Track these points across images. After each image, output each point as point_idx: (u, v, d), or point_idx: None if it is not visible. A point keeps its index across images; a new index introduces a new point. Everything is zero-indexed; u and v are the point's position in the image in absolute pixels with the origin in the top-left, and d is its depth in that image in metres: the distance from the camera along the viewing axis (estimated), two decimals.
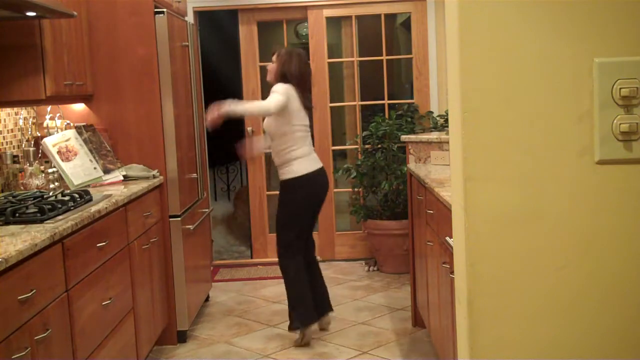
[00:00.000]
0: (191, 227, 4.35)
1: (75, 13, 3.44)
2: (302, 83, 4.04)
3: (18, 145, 3.77)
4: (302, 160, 4.02)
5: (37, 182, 3.50)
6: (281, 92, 3.92)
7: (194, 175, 4.59)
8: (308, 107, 4.08)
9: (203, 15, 6.09)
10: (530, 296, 1.07)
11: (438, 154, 4.15)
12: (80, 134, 3.85)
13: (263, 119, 4.24)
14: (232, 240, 6.87)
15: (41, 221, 2.65)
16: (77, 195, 3.07)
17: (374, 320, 4.48)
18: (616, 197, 1.05)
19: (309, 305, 4.09)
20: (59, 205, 2.82)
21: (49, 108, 3.97)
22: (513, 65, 1.04)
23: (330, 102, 5.99)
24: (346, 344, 4.08)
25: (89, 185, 3.67)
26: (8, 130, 3.69)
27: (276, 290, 5.14)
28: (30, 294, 2.25)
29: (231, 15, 6.16)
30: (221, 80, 7.39)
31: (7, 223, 2.64)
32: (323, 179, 4.14)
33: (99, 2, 3.99)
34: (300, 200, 4.07)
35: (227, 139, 7.60)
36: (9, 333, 2.11)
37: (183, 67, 4.42)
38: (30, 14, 3.14)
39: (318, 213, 4.29)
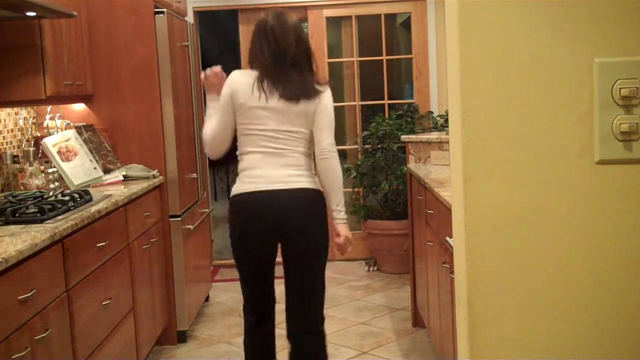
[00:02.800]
0: (191, 227, 4.35)
1: (75, 13, 3.44)
2: (273, 66, 2.85)
3: (18, 145, 3.77)
4: (241, 177, 2.89)
5: (37, 182, 3.49)
6: (222, 92, 2.90)
7: (194, 175, 4.59)
8: (283, 95, 2.82)
9: (203, 15, 6.08)
10: (530, 296, 1.07)
11: (438, 154, 4.15)
12: (80, 134, 3.85)
13: None
14: None
15: (41, 221, 2.65)
16: (77, 195, 3.07)
17: (374, 320, 4.48)
18: (616, 197, 1.05)
19: None
20: (59, 205, 2.82)
21: (49, 108, 3.97)
22: (513, 65, 1.04)
23: None
24: (346, 344, 4.08)
25: (89, 185, 3.67)
26: (8, 130, 3.69)
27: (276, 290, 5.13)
28: (30, 294, 2.25)
29: (231, 15, 6.16)
30: None
31: (7, 223, 2.64)
32: (256, 207, 2.82)
33: (99, 2, 3.99)
34: (231, 234, 2.93)
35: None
36: (9, 333, 2.11)
37: (183, 67, 4.42)
38: (30, 14, 3.14)
39: (289, 261, 2.93)
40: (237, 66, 6.01)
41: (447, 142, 3.41)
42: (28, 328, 2.23)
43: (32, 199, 2.96)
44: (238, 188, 2.87)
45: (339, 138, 6.23)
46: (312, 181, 2.90)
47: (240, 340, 4.22)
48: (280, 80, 2.83)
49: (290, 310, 3.00)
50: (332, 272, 5.67)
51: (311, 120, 2.93)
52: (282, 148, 2.85)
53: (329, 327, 4.33)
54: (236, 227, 2.90)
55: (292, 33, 2.87)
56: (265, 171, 2.83)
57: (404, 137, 4.53)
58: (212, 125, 2.91)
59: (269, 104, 2.82)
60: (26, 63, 3.32)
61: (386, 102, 6.07)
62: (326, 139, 2.95)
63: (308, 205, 2.86)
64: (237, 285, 5.40)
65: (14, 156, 3.53)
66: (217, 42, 7.70)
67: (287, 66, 2.85)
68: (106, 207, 3.07)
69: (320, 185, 2.93)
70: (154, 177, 3.99)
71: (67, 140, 3.76)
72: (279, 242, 2.91)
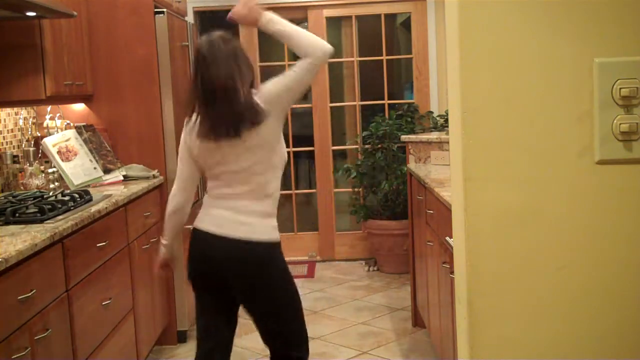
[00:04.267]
0: (191, 227, 4.34)
1: (75, 13, 3.44)
2: (206, 99, 2.49)
3: (18, 145, 3.77)
4: (201, 210, 2.70)
5: (37, 182, 3.50)
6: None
7: None
8: (216, 135, 2.49)
9: (203, 15, 6.09)
10: (530, 296, 1.07)
11: (438, 154, 4.15)
12: (80, 134, 3.85)
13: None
14: None
15: (41, 221, 2.65)
16: (77, 195, 3.07)
17: (374, 320, 4.48)
18: (616, 197, 1.05)
19: None
20: (59, 205, 2.82)
21: (49, 108, 3.97)
22: (513, 65, 1.04)
23: (330, 102, 5.99)
24: (346, 344, 4.08)
25: (89, 185, 3.67)
26: (8, 130, 3.69)
27: None
28: (30, 294, 2.24)
29: None
30: None
31: (7, 223, 2.64)
32: (209, 251, 2.60)
33: (99, 2, 3.99)
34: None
35: None
36: (9, 333, 2.11)
37: (183, 67, 4.42)
38: (30, 14, 3.14)
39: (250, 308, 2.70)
40: None
41: (447, 142, 3.41)
42: (28, 328, 2.23)
43: (32, 199, 2.96)
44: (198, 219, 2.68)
45: (339, 138, 6.25)
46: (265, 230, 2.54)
47: (239, 340, 4.22)
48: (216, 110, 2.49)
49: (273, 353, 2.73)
50: (332, 272, 5.67)
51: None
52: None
53: (329, 327, 4.34)
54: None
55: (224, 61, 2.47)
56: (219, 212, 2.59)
57: (404, 137, 4.53)
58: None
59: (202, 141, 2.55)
60: (26, 63, 3.32)
61: (386, 102, 6.07)
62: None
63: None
64: None
65: (14, 156, 3.53)
66: None
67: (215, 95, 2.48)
68: (106, 207, 3.07)
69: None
70: (154, 177, 3.99)
71: (67, 140, 3.76)
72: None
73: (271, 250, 2.56)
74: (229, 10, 2.66)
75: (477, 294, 1.08)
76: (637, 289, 1.06)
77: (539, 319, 1.07)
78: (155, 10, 4.03)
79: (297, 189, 6.42)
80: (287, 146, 2.68)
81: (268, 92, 2.53)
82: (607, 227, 1.05)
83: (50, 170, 3.63)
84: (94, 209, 2.97)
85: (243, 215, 2.53)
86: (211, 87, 2.47)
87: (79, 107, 4.10)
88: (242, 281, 2.58)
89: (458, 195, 1.09)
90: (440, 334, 3.34)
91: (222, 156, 2.53)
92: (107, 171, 3.85)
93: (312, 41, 2.59)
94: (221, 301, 2.69)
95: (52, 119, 3.95)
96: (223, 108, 2.46)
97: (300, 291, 2.81)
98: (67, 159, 3.69)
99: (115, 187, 3.68)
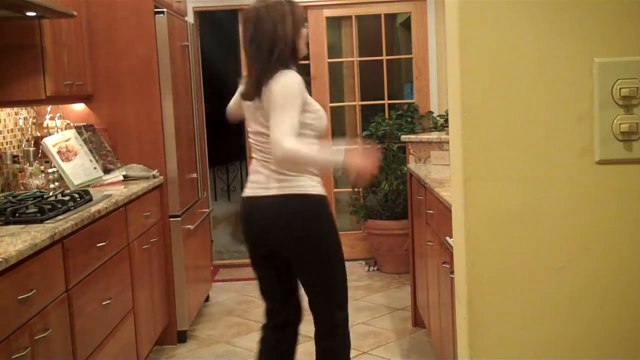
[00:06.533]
0: (191, 227, 4.35)
1: (75, 13, 3.44)
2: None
3: (18, 145, 3.77)
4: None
5: (37, 182, 3.50)
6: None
7: (194, 175, 4.59)
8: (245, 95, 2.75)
9: (203, 15, 6.09)
10: (530, 296, 1.07)
11: (438, 154, 4.15)
12: (80, 134, 3.85)
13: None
14: (233, 240, 6.87)
15: (41, 221, 2.65)
16: (77, 195, 3.07)
17: (374, 320, 4.48)
18: (616, 197, 1.05)
19: None
20: (59, 205, 2.82)
21: (49, 108, 3.97)
22: (513, 65, 1.04)
23: (330, 102, 5.99)
24: None
25: (89, 185, 3.67)
26: (8, 130, 3.69)
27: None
28: (30, 294, 2.25)
29: (231, 15, 6.15)
30: (221, 80, 7.40)
31: (7, 223, 2.64)
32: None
33: (99, 2, 3.99)
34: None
35: (227, 139, 7.63)
36: (9, 333, 2.11)
37: (183, 67, 4.42)
38: (30, 14, 3.14)
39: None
40: (237, 66, 6.02)
41: (447, 142, 3.40)
42: (28, 328, 2.23)
43: (32, 199, 2.96)
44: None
45: (339, 138, 6.25)
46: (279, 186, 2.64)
47: (240, 340, 4.22)
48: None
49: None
50: None
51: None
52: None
53: None
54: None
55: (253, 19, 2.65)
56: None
57: (404, 137, 4.53)
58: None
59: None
60: (26, 63, 3.32)
61: (386, 102, 6.07)
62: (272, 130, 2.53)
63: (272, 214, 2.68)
64: (237, 285, 5.24)
65: (14, 156, 3.53)
66: (217, 42, 7.70)
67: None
68: (106, 207, 3.07)
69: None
70: (154, 177, 3.99)
71: (67, 140, 3.76)
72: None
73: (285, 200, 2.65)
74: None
75: (477, 293, 1.08)
76: (637, 289, 1.06)
77: (539, 318, 1.07)
78: (155, 10, 4.03)
79: None
80: None
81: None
82: (607, 227, 1.05)
83: (50, 170, 3.63)
84: (94, 209, 2.97)
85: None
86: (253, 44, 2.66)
87: (79, 107, 4.10)
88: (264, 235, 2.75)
89: (458, 195, 1.09)
90: (440, 334, 3.34)
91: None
92: (107, 171, 3.85)
93: None
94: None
95: (52, 119, 3.95)
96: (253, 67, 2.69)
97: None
98: (67, 159, 3.69)
99: (115, 187, 3.68)
